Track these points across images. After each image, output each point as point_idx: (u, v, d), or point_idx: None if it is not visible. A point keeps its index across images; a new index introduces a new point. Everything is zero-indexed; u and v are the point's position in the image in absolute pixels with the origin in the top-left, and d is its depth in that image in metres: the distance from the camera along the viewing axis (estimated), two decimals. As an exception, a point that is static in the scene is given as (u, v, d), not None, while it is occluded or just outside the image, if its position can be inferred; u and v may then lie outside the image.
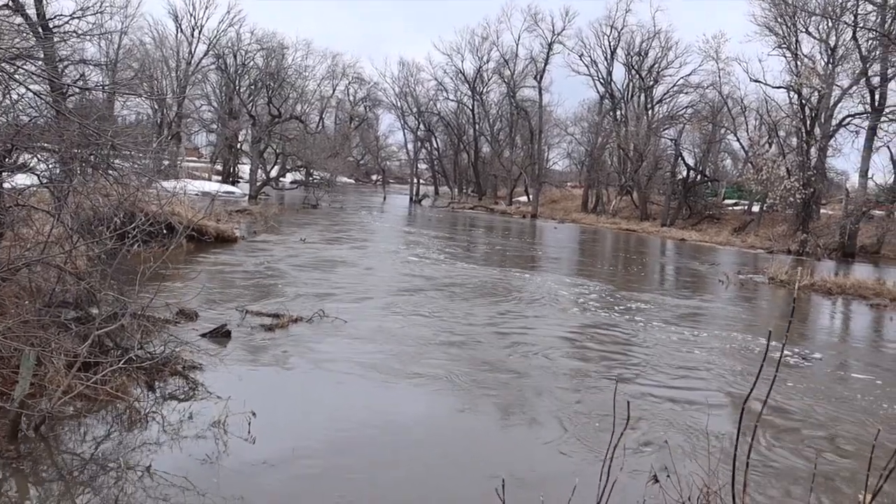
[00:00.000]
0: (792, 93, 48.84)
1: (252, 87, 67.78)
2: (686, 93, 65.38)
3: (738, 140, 59.36)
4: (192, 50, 66.38)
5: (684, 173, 61.57)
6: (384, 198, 77.75)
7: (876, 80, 43.57)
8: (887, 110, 44.56)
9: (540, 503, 4.42)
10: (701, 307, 20.25)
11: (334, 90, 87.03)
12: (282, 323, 12.91)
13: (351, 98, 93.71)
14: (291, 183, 63.79)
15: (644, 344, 14.32)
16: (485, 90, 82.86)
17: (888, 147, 49.27)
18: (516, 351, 12.98)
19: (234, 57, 68.14)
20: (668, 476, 6.56)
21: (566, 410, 9.64)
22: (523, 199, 79.53)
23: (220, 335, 11.63)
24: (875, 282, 26.49)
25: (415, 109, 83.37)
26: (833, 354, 15.11)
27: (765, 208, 52.80)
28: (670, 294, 22.46)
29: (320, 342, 12.21)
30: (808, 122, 47.60)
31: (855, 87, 45.57)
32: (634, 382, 11.29)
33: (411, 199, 78.21)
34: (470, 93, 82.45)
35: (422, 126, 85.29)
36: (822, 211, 50.15)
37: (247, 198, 51.84)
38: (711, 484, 6.57)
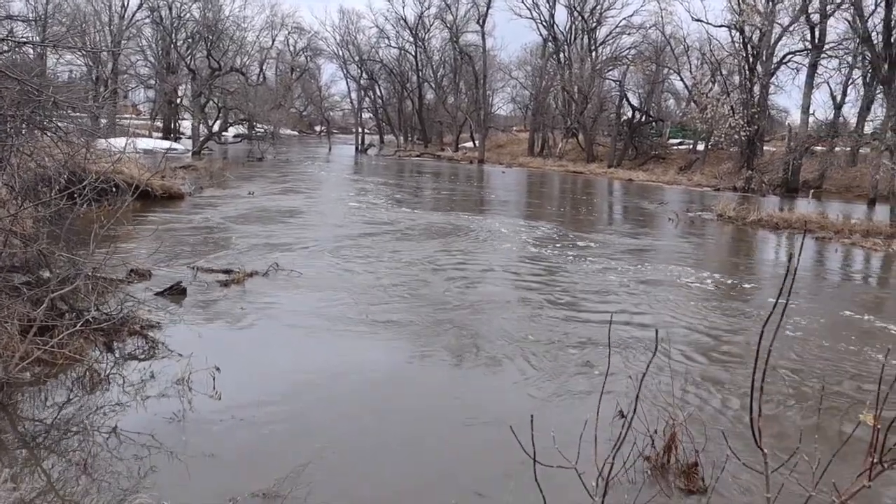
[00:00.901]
0: (734, 31, 49.07)
1: (189, 40, 66.14)
2: (629, 34, 65.44)
3: (681, 80, 59.68)
4: (125, 3, 64.44)
5: (629, 114, 61.72)
6: (329, 148, 76.76)
7: (815, 17, 43.90)
8: (827, 47, 45.08)
9: (551, 438, 4.37)
10: (653, 245, 20.45)
11: (274, 41, 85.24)
12: (237, 278, 12.75)
13: (291, 48, 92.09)
14: (235, 137, 62.56)
15: (598, 282, 14.44)
16: (427, 36, 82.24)
17: (828, 83, 49.98)
18: (470, 291, 13.12)
19: (169, 9, 66.29)
20: (634, 411, 6.65)
21: (527, 349, 9.71)
22: (469, 144, 79.36)
23: (176, 293, 11.44)
24: (819, 215, 27.18)
25: (357, 58, 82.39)
26: (775, 283, 15.40)
27: (709, 147, 53.27)
28: (622, 233, 22.64)
29: (277, 295, 12.09)
30: (751, 60, 47.90)
31: (795, 25, 45.94)
32: (592, 321, 11.37)
33: (357, 148, 77.32)
34: (412, 39, 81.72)
35: (364, 75, 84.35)
36: (765, 148, 50.79)
37: (190, 153, 50.85)
38: (676, 416, 6.70)
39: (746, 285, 15.21)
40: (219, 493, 5.72)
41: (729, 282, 15.38)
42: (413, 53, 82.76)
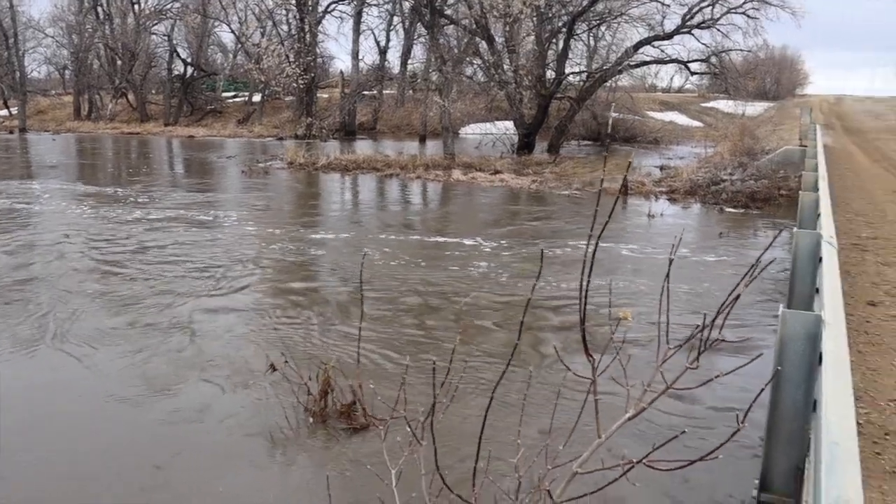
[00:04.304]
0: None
1: None
2: (170, -14, 63.07)
3: (232, 31, 59.02)
4: None
5: (181, 70, 60.10)
6: None
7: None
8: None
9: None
10: (233, 198, 20.22)
11: None
12: None
13: None
14: None
15: (183, 242, 13.88)
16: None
17: (373, 31, 52.61)
18: (29, 260, 12.05)
19: None
20: (287, 362, 6.50)
21: (117, 312, 9.04)
22: (5, 112, 71.98)
23: None
24: (382, 155, 28.77)
25: None
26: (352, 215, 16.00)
27: (266, 97, 53.63)
28: (194, 188, 21.98)
29: None
30: (300, 10, 48.62)
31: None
32: (190, 290, 10.85)
33: None
34: None
35: None
36: (320, 94, 52.26)
37: None
38: (327, 360, 6.57)
39: (326, 221, 15.54)
40: None
41: (308, 220, 15.59)
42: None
